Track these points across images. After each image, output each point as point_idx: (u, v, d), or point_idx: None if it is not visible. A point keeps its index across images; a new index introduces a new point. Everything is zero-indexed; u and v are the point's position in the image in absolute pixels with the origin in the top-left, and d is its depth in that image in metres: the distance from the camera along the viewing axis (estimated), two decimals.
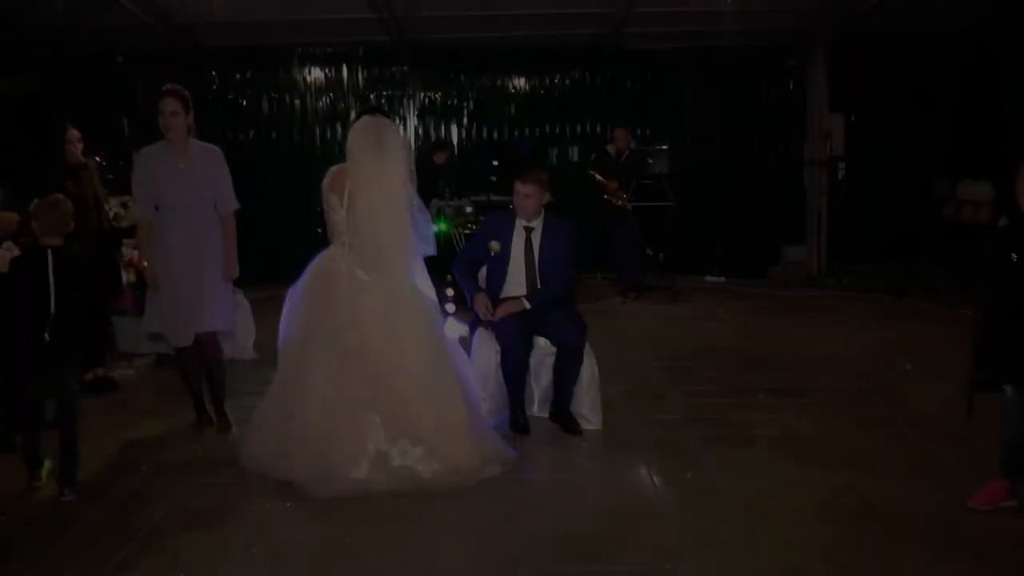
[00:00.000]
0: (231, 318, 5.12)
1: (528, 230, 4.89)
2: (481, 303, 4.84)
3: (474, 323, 5.03)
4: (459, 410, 4.15)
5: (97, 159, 5.99)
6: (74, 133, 5.64)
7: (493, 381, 4.79)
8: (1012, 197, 3.60)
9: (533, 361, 4.91)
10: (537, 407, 5.00)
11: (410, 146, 4.68)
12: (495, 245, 4.90)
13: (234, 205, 4.81)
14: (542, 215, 4.91)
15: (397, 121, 10.95)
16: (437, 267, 4.73)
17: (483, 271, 5.07)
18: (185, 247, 4.65)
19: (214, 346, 4.91)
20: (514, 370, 4.71)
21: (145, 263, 4.88)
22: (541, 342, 4.87)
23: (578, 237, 5.00)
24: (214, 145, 4.87)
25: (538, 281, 4.89)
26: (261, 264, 10.69)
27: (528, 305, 4.79)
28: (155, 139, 4.76)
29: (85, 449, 4.48)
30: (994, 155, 8.40)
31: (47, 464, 4.07)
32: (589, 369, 4.84)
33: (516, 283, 4.91)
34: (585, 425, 4.80)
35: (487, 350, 4.85)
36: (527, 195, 4.79)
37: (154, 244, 4.73)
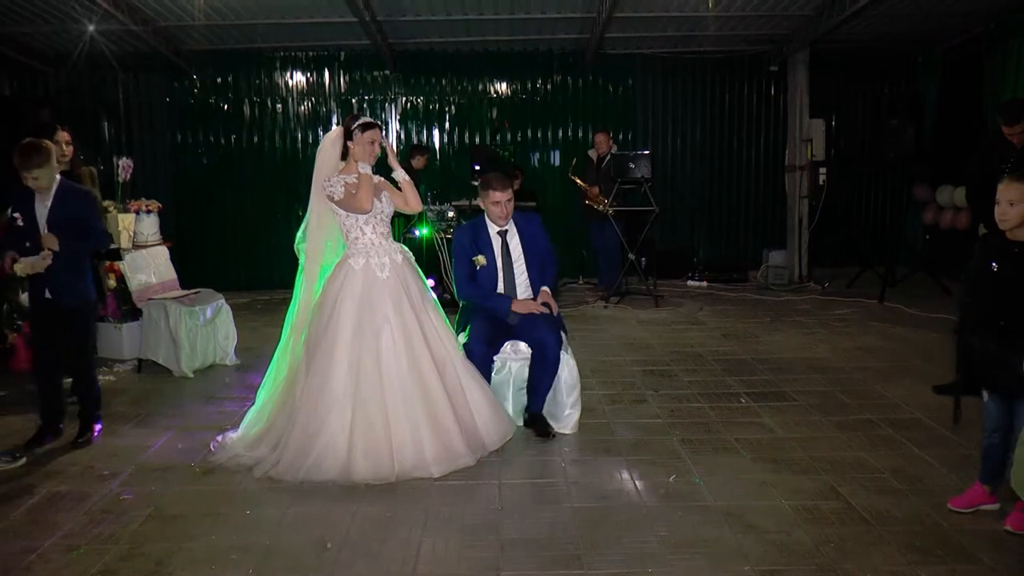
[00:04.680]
0: None
1: (501, 234, 4.90)
2: (523, 304, 4.81)
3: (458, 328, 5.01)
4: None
5: (87, 165, 5.89)
6: (64, 135, 5.53)
7: None
8: (988, 207, 3.63)
9: (515, 367, 4.90)
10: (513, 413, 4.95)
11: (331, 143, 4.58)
12: (481, 259, 4.88)
13: None
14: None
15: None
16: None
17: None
18: None
19: None
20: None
21: None
22: (522, 346, 4.86)
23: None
24: None
25: (515, 279, 4.92)
26: (242, 269, 10.74)
27: (551, 299, 4.88)
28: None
29: (65, 455, 4.48)
30: (972, 161, 8.48)
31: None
32: (568, 372, 4.80)
33: (501, 288, 4.91)
34: (562, 430, 4.78)
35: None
36: (509, 199, 4.81)
37: None
